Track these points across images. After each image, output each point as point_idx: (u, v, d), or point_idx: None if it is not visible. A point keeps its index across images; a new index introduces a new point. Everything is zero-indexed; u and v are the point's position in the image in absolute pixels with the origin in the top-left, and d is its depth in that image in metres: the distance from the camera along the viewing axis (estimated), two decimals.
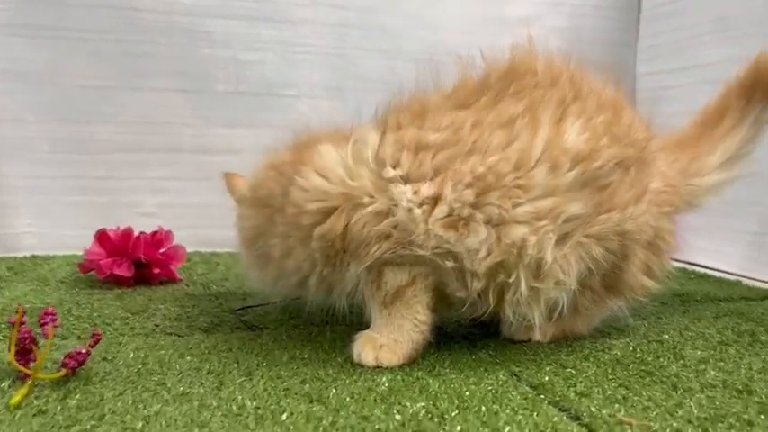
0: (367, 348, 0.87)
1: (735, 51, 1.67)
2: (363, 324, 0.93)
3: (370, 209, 0.83)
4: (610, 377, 0.84)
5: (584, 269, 0.88)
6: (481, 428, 0.67)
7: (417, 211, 0.82)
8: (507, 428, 0.67)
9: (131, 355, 0.88)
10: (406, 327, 0.87)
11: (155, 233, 1.34)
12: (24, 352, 0.78)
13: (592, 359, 0.91)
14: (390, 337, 0.87)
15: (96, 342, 0.79)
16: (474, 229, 0.82)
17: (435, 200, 0.82)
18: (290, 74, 1.77)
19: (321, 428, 0.67)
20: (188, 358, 0.88)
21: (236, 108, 1.75)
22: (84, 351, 0.78)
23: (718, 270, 1.59)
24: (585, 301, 0.94)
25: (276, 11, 1.75)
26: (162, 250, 1.32)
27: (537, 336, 0.98)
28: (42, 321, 0.77)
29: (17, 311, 0.78)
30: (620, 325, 1.06)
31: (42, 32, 1.61)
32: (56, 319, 0.78)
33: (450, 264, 0.83)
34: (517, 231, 0.82)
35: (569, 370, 0.87)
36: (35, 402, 0.72)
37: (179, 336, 0.99)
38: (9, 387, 0.75)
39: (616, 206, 0.87)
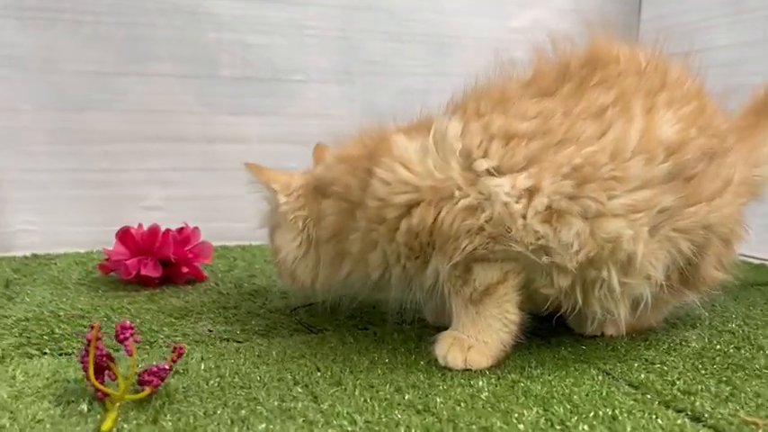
0: (454, 350, 0.83)
1: (748, 34, 1.70)
2: (420, 321, 0.92)
3: (461, 203, 0.79)
4: (702, 372, 0.83)
5: (670, 264, 0.86)
6: None
7: (516, 206, 0.78)
8: None
9: (202, 367, 0.82)
10: (495, 326, 0.83)
11: (181, 230, 1.26)
12: (100, 369, 0.71)
13: (673, 353, 0.90)
14: (479, 338, 0.83)
15: (179, 356, 0.72)
16: (568, 222, 0.78)
17: (532, 192, 0.78)
18: (297, 58, 1.69)
19: None
20: (263, 367, 0.82)
21: (243, 95, 1.67)
22: (166, 367, 0.71)
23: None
24: (664, 295, 0.91)
25: None
26: (189, 247, 1.24)
27: (610, 330, 0.96)
28: (122, 336, 0.70)
29: (92, 327, 0.70)
30: (681, 315, 1.04)
31: (37, 14, 1.48)
32: (134, 333, 0.71)
33: (545, 259, 0.80)
34: (613, 225, 0.79)
35: (658, 366, 0.85)
36: (125, 426, 0.65)
37: (238, 342, 0.93)
38: (89, 410, 0.68)
39: (703, 198, 0.85)
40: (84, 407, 0.69)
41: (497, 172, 0.79)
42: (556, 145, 0.80)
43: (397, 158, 0.82)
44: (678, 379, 0.80)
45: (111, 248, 1.23)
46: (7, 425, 0.65)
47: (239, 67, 1.66)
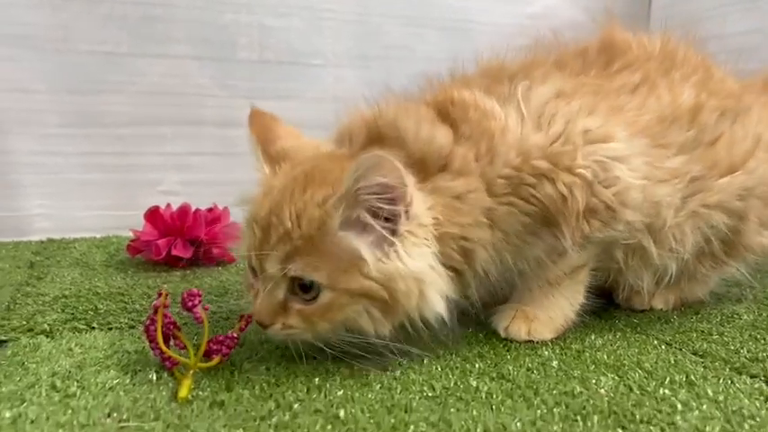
0: (518, 321, 0.82)
1: (763, 20, 1.71)
2: None
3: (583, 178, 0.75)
4: (762, 342, 0.82)
5: (702, 239, 0.86)
6: (708, 405, 0.63)
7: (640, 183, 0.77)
8: (736, 402, 0.64)
9: (259, 338, 0.79)
10: (563, 305, 0.83)
11: (210, 210, 1.23)
12: (166, 338, 0.68)
13: (727, 324, 0.90)
14: (545, 313, 0.82)
15: (248, 324, 0.70)
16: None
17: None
18: (315, 42, 1.67)
19: (534, 406, 0.62)
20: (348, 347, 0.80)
21: (260, 78, 1.64)
22: (235, 335, 0.69)
23: None
24: (704, 268, 0.93)
25: None
26: (218, 227, 1.21)
27: (659, 304, 0.96)
28: (190, 304, 0.67)
29: (159, 295, 0.68)
30: (722, 291, 1.04)
31: None
32: (202, 300, 0.68)
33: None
34: (661, 190, 0.79)
35: (716, 336, 0.85)
36: (201, 394, 0.63)
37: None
38: (158, 378, 0.66)
39: (737, 163, 0.86)
40: (152, 375, 0.67)
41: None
42: (615, 113, 0.79)
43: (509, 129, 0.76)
44: (741, 348, 0.80)
45: (135, 231, 1.20)
46: (78, 392, 0.62)
47: (257, 49, 1.63)
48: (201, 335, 0.68)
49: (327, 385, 0.66)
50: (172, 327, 0.68)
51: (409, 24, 1.76)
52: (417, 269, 0.66)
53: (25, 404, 0.59)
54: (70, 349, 0.74)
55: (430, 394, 0.65)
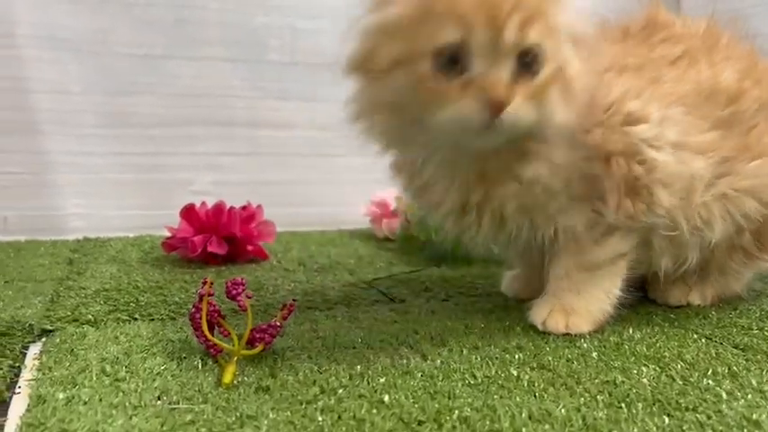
0: (556, 314, 0.82)
1: None
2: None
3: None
4: None
5: (733, 226, 0.85)
6: (753, 395, 0.63)
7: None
8: None
9: (300, 329, 0.80)
10: (601, 297, 0.82)
11: (244, 207, 1.25)
12: (209, 326, 0.70)
13: (767, 320, 0.88)
14: (583, 306, 0.82)
15: (290, 313, 0.71)
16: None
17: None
18: (345, 44, 1.68)
19: (577, 395, 0.62)
20: (359, 331, 0.81)
21: (291, 79, 1.66)
22: (278, 324, 0.70)
23: None
24: (734, 263, 0.92)
25: None
26: (253, 225, 1.23)
27: (696, 299, 0.95)
28: (234, 292, 0.69)
29: (204, 283, 0.69)
30: (762, 287, 1.03)
31: None
32: (245, 289, 0.70)
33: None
34: (697, 163, 0.79)
35: (756, 331, 0.84)
36: (246, 380, 0.64)
37: (322, 310, 0.92)
38: (203, 365, 0.67)
39: (766, 152, 0.85)
40: (198, 362, 0.68)
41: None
42: (653, 84, 0.80)
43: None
44: None
45: (170, 228, 1.22)
46: (127, 377, 0.64)
47: (288, 51, 1.66)
48: (245, 324, 0.69)
49: (370, 372, 0.67)
50: (216, 315, 0.70)
51: None
52: None
53: (77, 387, 0.61)
54: (116, 337, 0.76)
55: (472, 382, 0.65)
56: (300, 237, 1.54)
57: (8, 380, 0.64)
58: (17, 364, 0.69)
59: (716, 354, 0.75)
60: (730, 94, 0.83)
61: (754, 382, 0.66)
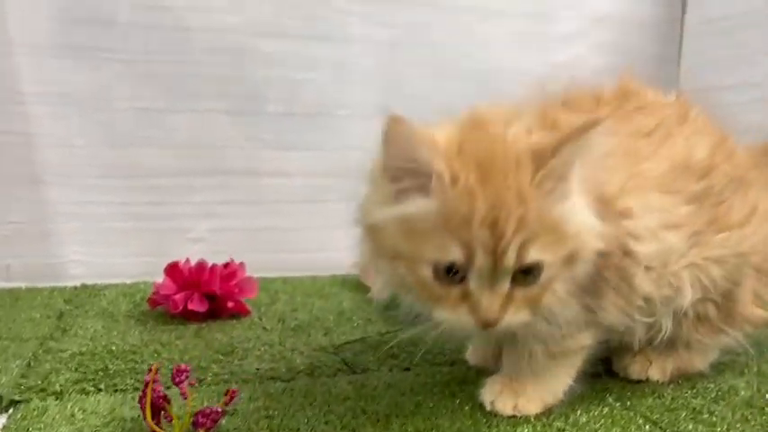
0: (504, 397, 0.83)
1: None
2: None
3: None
4: (751, 422, 0.82)
5: (701, 292, 0.86)
6: None
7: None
8: None
9: (250, 407, 0.83)
10: (554, 384, 0.84)
11: (227, 264, 1.29)
12: (156, 410, 0.73)
13: (722, 402, 0.89)
14: (534, 389, 0.83)
15: (231, 399, 0.74)
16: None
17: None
18: (341, 94, 1.73)
19: None
20: (309, 410, 0.83)
21: (288, 130, 1.70)
22: (219, 409, 0.73)
23: None
24: (699, 335, 0.92)
25: (328, 29, 1.70)
26: (234, 282, 1.27)
27: (655, 375, 0.96)
28: (177, 380, 0.72)
29: (150, 370, 0.73)
30: (728, 360, 1.03)
31: (90, 54, 1.55)
32: (189, 376, 0.73)
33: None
34: (672, 236, 0.80)
35: (706, 416, 0.84)
36: None
37: (284, 381, 0.94)
38: None
39: (733, 225, 0.86)
40: None
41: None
42: (630, 160, 0.81)
43: None
44: (727, 430, 0.79)
45: (159, 281, 1.26)
46: None
47: (285, 102, 1.70)
48: (195, 406, 0.73)
49: None
50: (161, 400, 0.73)
51: (434, 76, 1.80)
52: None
53: None
54: (72, 415, 0.79)
55: None
56: (291, 285, 1.57)
57: None
58: None
59: None
60: (703, 169, 0.84)
61: None
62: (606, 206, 0.75)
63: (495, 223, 0.64)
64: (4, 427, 0.77)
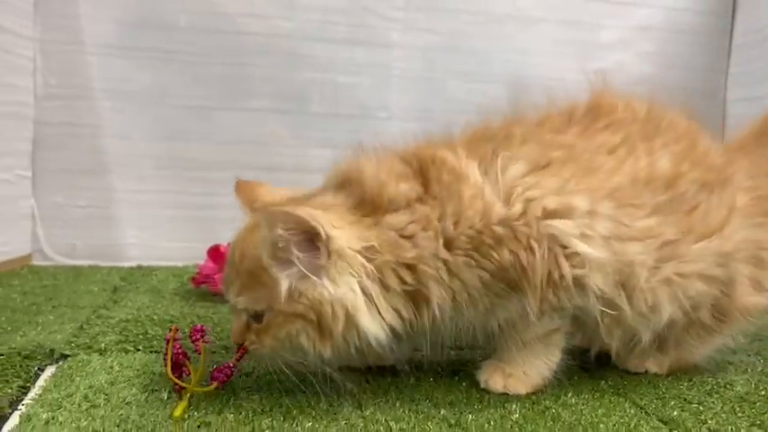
0: (496, 376, 0.89)
1: None
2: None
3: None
4: (739, 414, 0.84)
5: (682, 312, 0.88)
6: None
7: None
8: None
9: (267, 372, 0.92)
10: (537, 364, 0.89)
11: None
12: (178, 366, 0.83)
13: (715, 395, 0.91)
14: (520, 370, 0.89)
15: (242, 356, 0.83)
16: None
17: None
18: (382, 97, 1.82)
19: None
20: (320, 376, 0.91)
21: (331, 129, 1.80)
22: (231, 365, 0.82)
23: None
24: (692, 338, 0.95)
25: (371, 35, 1.80)
26: None
27: (653, 368, 0.99)
28: (194, 338, 0.82)
29: (170, 329, 0.83)
30: (736, 360, 1.05)
31: (152, 54, 1.70)
32: (205, 335, 0.83)
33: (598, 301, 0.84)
34: (633, 248, 0.83)
35: (695, 405, 0.87)
36: (196, 414, 0.77)
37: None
38: (167, 399, 0.80)
39: (712, 230, 0.88)
40: (165, 396, 0.81)
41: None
42: (586, 175, 0.85)
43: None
44: (711, 419, 0.82)
45: (199, 264, 1.37)
46: (102, 404, 0.78)
47: (329, 104, 1.81)
48: (218, 363, 0.83)
49: (302, 417, 0.77)
50: (182, 356, 0.83)
51: (473, 81, 1.86)
52: (341, 296, 0.75)
53: (60, 409, 0.76)
54: (111, 367, 0.90)
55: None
56: None
57: (14, 398, 0.80)
58: (28, 385, 0.85)
59: (634, 425, 0.79)
60: (667, 180, 0.87)
61: None
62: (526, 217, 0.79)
63: (230, 266, 0.82)
64: (53, 374, 0.88)
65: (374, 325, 0.77)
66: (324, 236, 0.74)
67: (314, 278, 0.75)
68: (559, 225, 0.80)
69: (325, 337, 0.76)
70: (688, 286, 0.87)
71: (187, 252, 1.72)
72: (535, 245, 0.79)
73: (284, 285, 0.75)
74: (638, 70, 1.96)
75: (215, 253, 1.37)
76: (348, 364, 0.87)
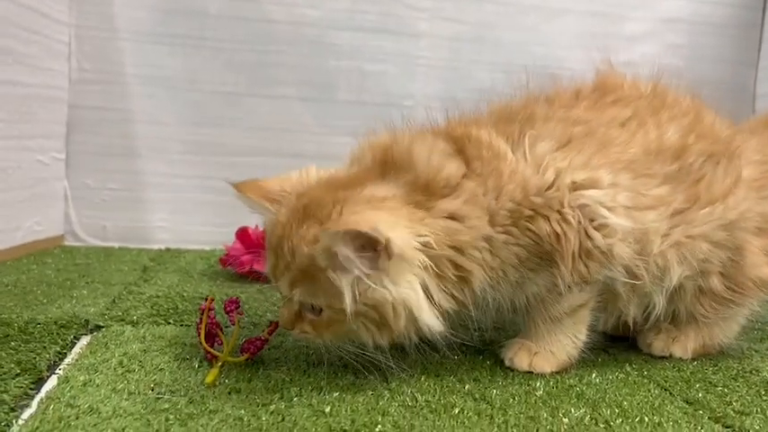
0: (521, 354, 0.90)
1: None
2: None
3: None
4: (764, 398, 0.85)
5: (690, 270, 0.90)
6: None
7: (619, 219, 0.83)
8: None
9: (292, 345, 0.94)
10: (565, 342, 0.90)
11: None
12: (210, 336, 0.85)
13: (741, 380, 0.91)
14: (547, 348, 0.90)
15: (274, 330, 0.85)
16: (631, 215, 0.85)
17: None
18: (408, 85, 1.83)
19: (495, 425, 0.71)
20: (344, 350, 0.93)
21: (357, 117, 1.81)
22: (263, 338, 0.84)
23: None
24: (704, 309, 0.95)
25: (398, 24, 1.81)
26: None
27: (677, 352, 0.99)
28: (228, 309, 0.84)
29: (206, 299, 0.85)
30: (762, 348, 1.05)
31: (184, 41, 1.73)
32: (239, 307, 0.85)
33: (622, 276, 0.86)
34: (648, 216, 0.85)
35: (720, 388, 0.87)
36: (226, 382, 0.79)
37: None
38: (199, 366, 0.83)
39: (716, 198, 0.90)
40: (196, 364, 0.83)
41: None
42: (604, 148, 0.86)
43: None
44: (736, 401, 0.83)
45: (226, 245, 1.40)
46: (136, 369, 0.80)
47: (355, 92, 1.82)
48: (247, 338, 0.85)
49: (329, 387, 0.79)
50: (215, 327, 0.85)
51: (498, 70, 1.87)
52: (403, 296, 0.75)
53: (96, 373, 0.78)
54: (144, 337, 0.93)
55: (410, 404, 0.76)
56: None
57: (52, 362, 0.83)
58: (65, 351, 0.88)
59: (657, 404, 0.80)
60: (675, 151, 0.89)
61: None
62: (557, 188, 0.81)
63: (277, 257, 0.80)
64: (89, 342, 0.91)
65: (432, 318, 0.78)
66: (384, 242, 0.72)
67: (376, 282, 0.74)
68: (592, 194, 0.82)
69: (384, 332, 0.78)
70: (694, 247, 0.89)
71: (215, 236, 1.74)
72: (569, 212, 0.81)
73: (348, 293, 0.73)
74: (666, 63, 1.94)
75: (243, 234, 1.39)
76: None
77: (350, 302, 0.73)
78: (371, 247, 0.72)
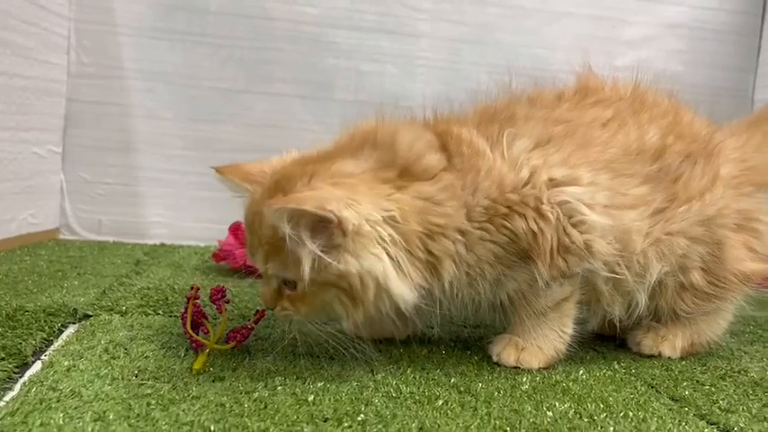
0: (509, 349, 0.90)
1: None
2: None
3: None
4: (751, 397, 0.84)
5: (671, 266, 0.91)
6: None
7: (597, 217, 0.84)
8: None
9: (282, 337, 0.94)
10: (551, 337, 0.90)
11: None
12: (195, 325, 0.85)
13: (729, 379, 0.91)
14: (533, 343, 0.90)
15: (260, 319, 0.85)
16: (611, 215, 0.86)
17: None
18: (406, 86, 1.84)
19: (478, 417, 0.71)
20: (333, 344, 0.93)
21: (354, 116, 1.81)
22: (249, 326, 0.84)
23: None
24: (686, 305, 0.96)
25: (398, 24, 1.81)
26: None
27: (666, 351, 0.99)
28: (214, 298, 0.84)
29: (192, 288, 0.85)
30: (752, 350, 1.05)
31: (183, 37, 1.73)
32: (225, 296, 0.85)
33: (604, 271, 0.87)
34: (628, 215, 0.86)
35: (707, 387, 0.87)
36: (211, 370, 0.79)
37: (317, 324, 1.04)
38: (185, 355, 0.83)
39: (694, 196, 0.91)
40: (182, 352, 0.83)
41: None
42: (584, 148, 0.87)
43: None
44: (723, 399, 0.82)
45: (220, 240, 1.40)
46: (121, 356, 0.80)
47: (353, 91, 1.82)
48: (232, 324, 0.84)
49: (313, 377, 0.79)
50: (200, 316, 0.85)
51: (497, 72, 1.86)
52: (367, 267, 0.75)
53: (81, 359, 0.78)
54: (131, 326, 0.93)
55: (394, 395, 0.75)
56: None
57: (38, 349, 0.83)
58: (51, 338, 0.88)
59: (644, 401, 0.80)
60: (656, 152, 0.90)
61: (653, 428, 0.71)
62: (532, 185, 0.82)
63: (251, 233, 0.81)
64: (76, 330, 0.91)
65: (404, 288, 0.77)
66: (335, 220, 0.72)
67: (332, 257, 0.74)
68: (572, 191, 0.83)
69: (357, 304, 0.77)
70: (673, 243, 0.90)
71: (210, 232, 1.74)
72: (547, 209, 0.82)
73: (306, 263, 0.73)
74: (665, 68, 1.94)
75: (236, 229, 1.39)
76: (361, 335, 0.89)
77: (308, 272, 0.73)
78: (324, 223, 0.72)
